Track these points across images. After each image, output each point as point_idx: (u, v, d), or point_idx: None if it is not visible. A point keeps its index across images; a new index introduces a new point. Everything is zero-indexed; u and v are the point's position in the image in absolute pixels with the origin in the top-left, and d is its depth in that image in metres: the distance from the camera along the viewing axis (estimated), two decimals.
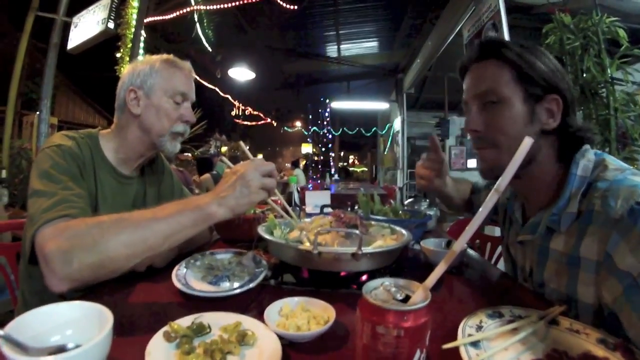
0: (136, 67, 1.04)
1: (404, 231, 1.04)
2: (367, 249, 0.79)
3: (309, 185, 9.53)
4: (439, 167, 1.16)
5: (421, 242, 1.09)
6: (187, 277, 0.84)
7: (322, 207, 1.56)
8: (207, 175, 4.73)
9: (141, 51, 4.56)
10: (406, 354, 0.36)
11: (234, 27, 6.74)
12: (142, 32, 4.59)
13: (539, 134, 0.78)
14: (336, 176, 10.77)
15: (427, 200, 1.86)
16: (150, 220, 0.73)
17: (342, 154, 21.98)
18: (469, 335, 0.57)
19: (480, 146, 0.85)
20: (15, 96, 5.15)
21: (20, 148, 4.50)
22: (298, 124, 17.19)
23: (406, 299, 0.39)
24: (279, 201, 1.06)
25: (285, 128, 16.32)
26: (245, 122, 13.82)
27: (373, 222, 1.19)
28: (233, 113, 12.30)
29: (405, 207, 1.78)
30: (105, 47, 4.62)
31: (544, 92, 0.77)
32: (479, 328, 0.60)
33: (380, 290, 0.40)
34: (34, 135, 4.93)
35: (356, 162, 25.26)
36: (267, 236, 0.91)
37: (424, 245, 1.06)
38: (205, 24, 5.85)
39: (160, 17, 5.46)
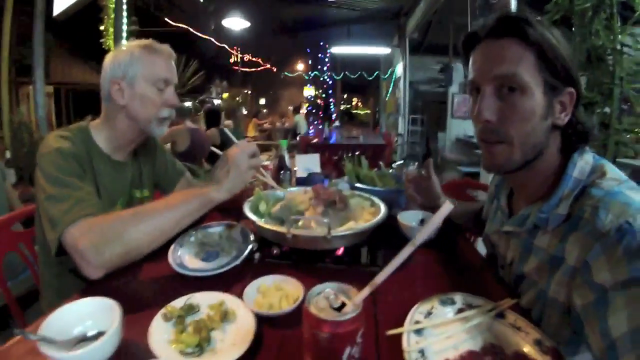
0: (116, 57, 1.06)
1: (382, 206, 1.11)
2: (336, 232, 0.88)
3: (311, 131, 9.55)
4: (426, 185, 1.21)
5: (398, 216, 1.14)
6: (182, 256, 0.95)
7: (309, 174, 1.64)
8: (213, 130, 4.66)
9: (125, 20, 4.37)
10: (338, 348, 0.47)
11: None
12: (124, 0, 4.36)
13: (550, 129, 0.74)
14: (337, 122, 10.70)
15: (416, 164, 1.93)
16: (162, 210, 0.87)
17: (345, 96, 21.58)
18: (417, 322, 0.62)
19: (488, 139, 0.76)
20: (7, 78, 5.02)
21: (20, 123, 4.53)
22: (300, 67, 16.70)
23: (342, 306, 0.49)
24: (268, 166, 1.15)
25: (286, 73, 15.89)
26: (245, 69, 13.47)
27: (356, 193, 1.28)
28: (231, 60, 11.96)
29: (393, 170, 1.85)
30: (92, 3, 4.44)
31: (562, 83, 0.71)
32: (429, 314, 0.65)
33: (321, 297, 0.50)
34: (32, 109, 4.95)
35: (359, 104, 24.80)
36: (249, 215, 1.01)
37: (400, 220, 1.12)
38: None
39: None
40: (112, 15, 4.43)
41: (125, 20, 4.45)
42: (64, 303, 0.66)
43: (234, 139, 1.05)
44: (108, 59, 1.08)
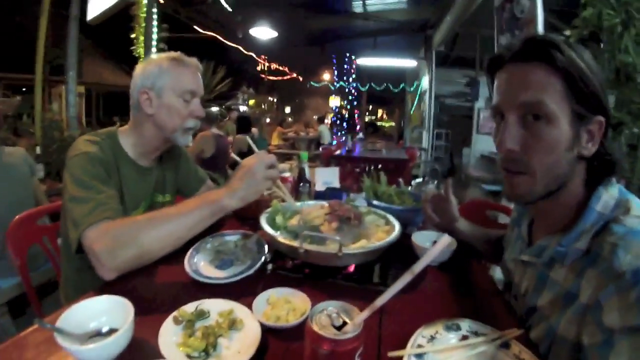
0: (146, 68, 1.12)
1: (397, 225, 1.12)
2: (347, 250, 0.90)
3: (334, 142, 9.59)
4: (443, 206, 1.18)
5: (412, 236, 1.15)
6: (197, 262, 0.99)
7: (327, 189, 1.66)
8: (242, 137, 4.76)
9: (155, 29, 4.56)
10: None
11: None
12: (155, 10, 4.57)
13: (575, 160, 0.70)
14: (360, 134, 10.71)
15: (435, 182, 1.91)
16: (175, 216, 0.89)
17: (370, 107, 21.62)
18: (419, 345, 0.63)
19: (510, 169, 0.73)
20: (41, 77, 5.26)
21: (51, 120, 4.76)
22: (326, 77, 16.88)
23: (344, 324, 0.51)
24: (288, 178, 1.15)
25: (312, 83, 16.09)
26: (271, 77, 13.79)
27: (372, 210, 1.29)
28: (259, 68, 12.27)
29: (412, 187, 1.85)
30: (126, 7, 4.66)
31: (591, 112, 0.67)
32: (432, 339, 0.65)
33: (323, 314, 0.52)
34: (64, 108, 5.24)
35: (385, 116, 24.75)
36: (265, 227, 1.04)
37: (414, 240, 1.12)
38: None
39: None
40: (143, 24, 4.60)
41: (155, 30, 4.63)
42: (82, 297, 0.70)
43: (254, 148, 1.07)
44: (138, 69, 1.14)
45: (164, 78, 1.11)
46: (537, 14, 2.58)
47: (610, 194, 0.69)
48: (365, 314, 0.50)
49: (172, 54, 1.16)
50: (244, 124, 4.92)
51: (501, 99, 0.73)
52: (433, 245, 1.13)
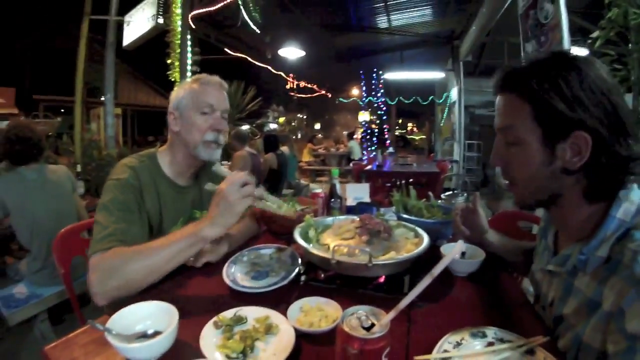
0: (175, 92, 1.24)
1: (425, 238, 1.14)
2: (376, 261, 0.94)
3: (364, 157, 9.58)
4: (472, 218, 1.21)
5: (441, 247, 1.16)
6: (234, 273, 1.05)
7: (358, 204, 1.70)
8: (270, 155, 4.93)
9: (189, 55, 4.91)
10: None
11: (279, 8, 6.84)
12: (188, 37, 4.93)
13: (561, 173, 0.74)
14: (390, 149, 10.66)
15: (465, 195, 1.91)
16: (156, 249, 0.94)
17: (400, 121, 21.55)
18: (445, 351, 0.65)
19: (504, 178, 0.86)
20: (80, 103, 5.62)
21: (90, 140, 5.14)
22: (354, 92, 17.03)
23: (372, 326, 0.55)
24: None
25: (340, 99, 16.29)
26: (300, 95, 14.11)
27: (402, 223, 1.31)
28: (288, 86, 12.61)
29: (442, 201, 1.85)
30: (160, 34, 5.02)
31: (568, 130, 0.71)
32: (458, 345, 0.67)
33: (353, 317, 0.56)
34: (102, 128, 5.72)
35: (415, 129, 24.55)
36: (298, 240, 1.09)
37: (442, 251, 1.13)
38: (251, 8, 5.95)
39: (206, 9, 5.64)
40: (178, 50, 4.96)
41: (189, 55, 4.97)
42: (123, 304, 0.77)
43: (225, 172, 1.08)
44: (172, 94, 1.26)
45: (187, 97, 1.22)
46: (561, 18, 2.53)
47: (631, 200, 0.70)
48: (391, 314, 0.54)
49: (197, 75, 1.27)
50: (271, 142, 5.09)
51: (494, 122, 0.85)
52: (461, 256, 1.16)
